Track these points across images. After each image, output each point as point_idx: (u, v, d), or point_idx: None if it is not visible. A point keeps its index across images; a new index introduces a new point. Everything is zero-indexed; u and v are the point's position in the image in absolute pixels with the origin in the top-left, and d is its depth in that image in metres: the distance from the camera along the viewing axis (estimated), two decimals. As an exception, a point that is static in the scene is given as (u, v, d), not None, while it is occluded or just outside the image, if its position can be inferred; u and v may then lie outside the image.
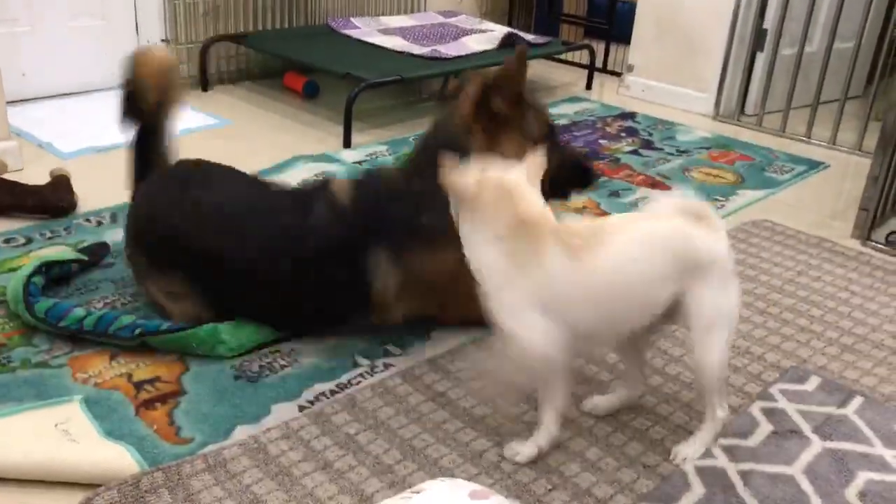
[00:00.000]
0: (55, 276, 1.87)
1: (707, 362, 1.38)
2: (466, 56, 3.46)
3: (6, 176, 2.32)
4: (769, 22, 3.47)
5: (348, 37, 3.59)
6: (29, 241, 2.11)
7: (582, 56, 4.15)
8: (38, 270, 1.79)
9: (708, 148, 3.18)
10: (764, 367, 1.78)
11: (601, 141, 3.18)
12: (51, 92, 3.21)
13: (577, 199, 2.59)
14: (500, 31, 3.77)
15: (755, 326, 1.94)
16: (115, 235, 2.13)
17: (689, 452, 1.46)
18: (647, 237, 1.36)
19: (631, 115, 3.53)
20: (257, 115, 3.24)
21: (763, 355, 1.82)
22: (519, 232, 1.31)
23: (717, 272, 1.36)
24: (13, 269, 1.95)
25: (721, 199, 2.69)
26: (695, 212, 1.38)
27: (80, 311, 1.69)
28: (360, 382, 1.65)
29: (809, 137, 3.35)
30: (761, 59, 3.54)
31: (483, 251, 1.33)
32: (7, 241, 2.10)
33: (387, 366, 1.71)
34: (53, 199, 2.24)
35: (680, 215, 1.37)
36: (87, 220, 2.23)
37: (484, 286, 1.34)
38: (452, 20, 4.02)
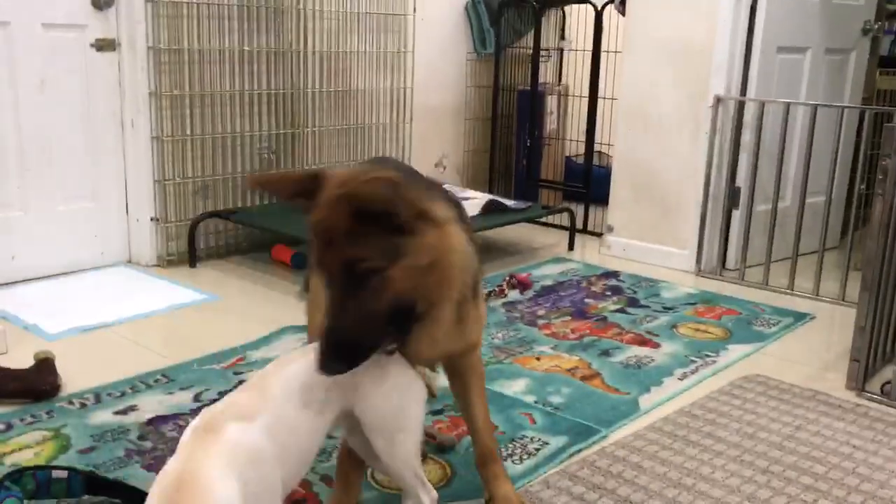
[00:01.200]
0: (29, 489, 1.67)
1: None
2: (450, 223, 3.54)
3: (-11, 360, 2.29)
4: (741, 180, 3.60)
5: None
6: (9, 427, 2.05)
7: (562, 219, 4.26)
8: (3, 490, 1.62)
9: (693, 304, 3.21)
10: (773, 531, 1.71)
11: (587, 300, 3.21)
12: (39, 273, 3.23)
13: (569, 359, 2.57)
14: (483, 197, 3.88)
15: (759, 487, 1.88)
16: (99, 418, 2.08)
17: None
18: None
19: (615, 274, 3.58)
20: (245, 288, 3.26)
21: (771, 517, 1.76)
22: None
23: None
24: (-9, 458, 1.89)
25: (711, 354, 2.68)
26: None
27: None
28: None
29: (792, 289, 3.40)
30: (738, 216, 3.65)
31: None
32: (-13, 427, 2.04)
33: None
34: (37, 383, 2.20)
35: None
36: (71, 403, 2.19)
37: None
38: (435, 189, 4.14)
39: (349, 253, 1.33)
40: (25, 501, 1.61)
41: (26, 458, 1.90)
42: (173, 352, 2.56)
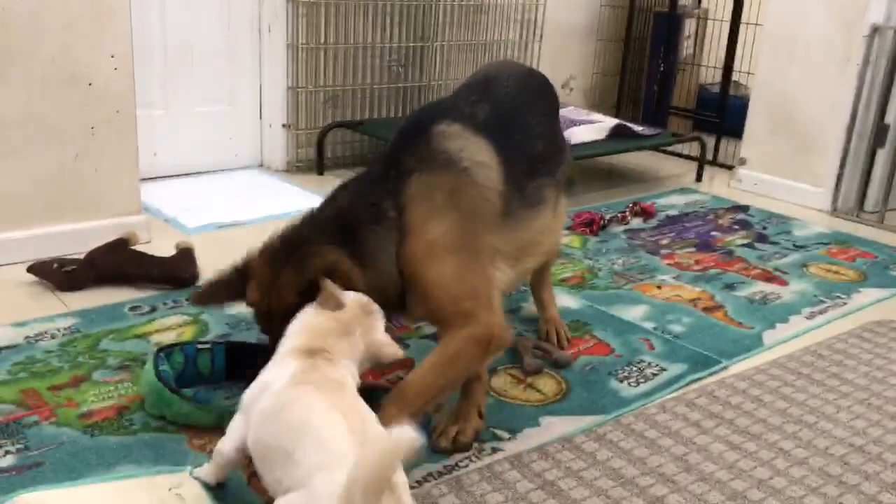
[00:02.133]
0: (178, 363, 1.81)
1: None
2: (576, 146, 3.49)
3: (135, 248, 2.44)
4: (891, 118, 3.38)
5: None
6: (153, 309, 2.20)
7: (692, 148, 4.12)
8: (160, 360, 1.75)
9: (826, 244, 3.08)
10: (899, 476, 1.66)
11: (713, 233, 3.12)
12: (178, 171, 3.39)
13: (692, 290, 2.53)
14: (609, 121, 3.79)
15: (886, 432, 1.82)
16: (234, 307, 2.20)
17: None
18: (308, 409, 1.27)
19: (744, 208, 3.46)
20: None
21: (897, 463, 1.70)
22: None
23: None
24: (138, 336, 2.04)
25: (842, 296, 2.58)
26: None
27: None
28: (467, 465, 1.62)
29: (936, 236, 3.21)
30: (882, 156, 3.43)
31: None
32: (133, 308, 2.19)
33: (494, 449, 1.67)
34: (179, 271, 2.34)
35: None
36: (207, 292, 2.31)
37: None
38: (561, 111, 4.07)
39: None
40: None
41: (168, 338, 2.03)
42: (301, 253, 2.65)
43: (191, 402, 1.68)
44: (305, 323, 1.43)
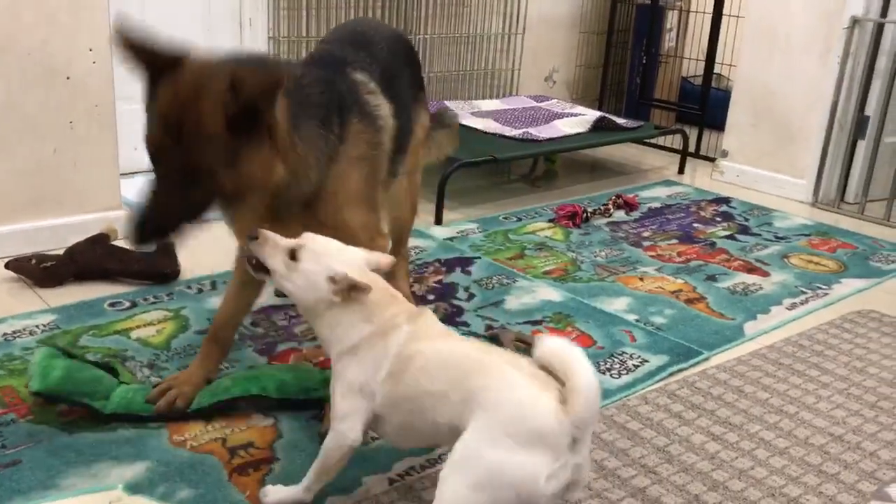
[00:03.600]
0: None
1: (439, 498, 1.23)
2: (558, 138, 3.49)
3: (115, 243, 2.41)
4: (871, 109, 3.40)
5: (442, 118, 3.66)
6: (133, 304, 2.18)
7: (674, 141, 4.14)
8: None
9: (807, 235, 3.09)
10: (878, 465, 1.67)
11: (695, 224, 3.13)
12: (159, 165, 3.36)
13: (674, 282, 2.54)
14: (592, 114, 3.80)
15: (865, 421, 1.83)
16: (215, 303, 2.18)
17: None
18: (460, 354, 1.33)
19: (726, 200, 3.47)
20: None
21: (876, 452, 1.72)
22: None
23: (499, 425, 1.20)
24: (119, 332, 2.02)
25: (823, 287, 2.59)
26: (562, 374, 1.23)
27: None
28: (450, 459, 1.61)
29: (916, 227, 3.23)
30: (863, 147, 3.46)
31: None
32: (113, 304, 2.17)
33: (477, 443, 1.67)
34: (158, 266, 2.32)
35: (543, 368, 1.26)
36: (189, 287, 2.30)
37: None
38: (544, 104, 4.08)
39: (196, 157, 1.35)
40: None
41: (149, 334, 2.02)
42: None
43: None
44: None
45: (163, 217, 1.42)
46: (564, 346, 1.25)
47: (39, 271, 2.25)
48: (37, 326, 2.03)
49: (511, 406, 1.22)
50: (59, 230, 2.47)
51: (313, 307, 1.39)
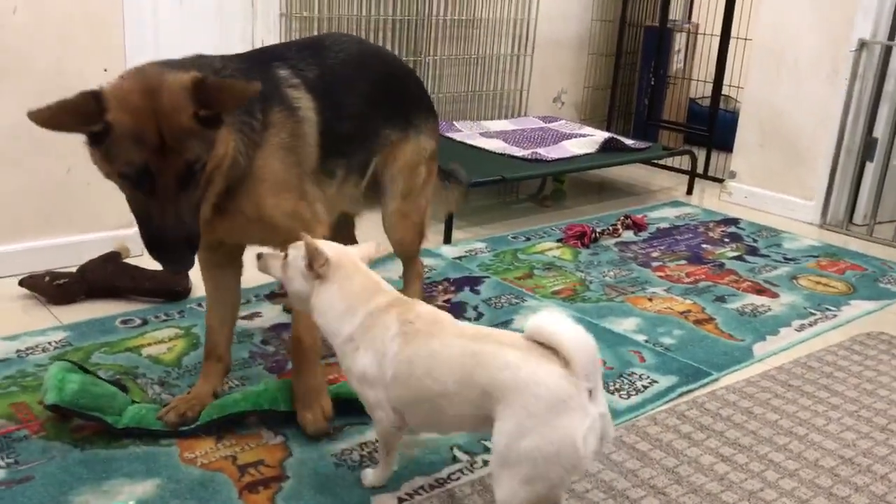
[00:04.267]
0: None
1: (497, 497, 1.30)
2: (567, 159, 3.51)
3: (127, 261, 2.43)
4: (879, 132, 3.41)
5: (451, 139, 3.69)
6: (145, 322, 2.19)
7: (682, 162, 4.15)
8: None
9: (816, 256, 3.09)
10: (889, 488, 1.67)
11: (704, 245, 3.14)
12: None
13: (683, 303, 2.54)
14: (600, 135, 3.81)
15: (876, 443, 1.83)
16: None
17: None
18: (457, 352, 1.36)
19: (734, 221, 3.48)
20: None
21: (887, 475, 1.71)
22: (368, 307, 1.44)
23: (521, 410, 1.26)
24: (130, 349, 2.03)
25: (832, 308, 2.59)
26: (552, 344, 1.28)
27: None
28: (459, 478, 1.62)
29: (925, 249, 3.23)
30: (871, 169, 3.46)
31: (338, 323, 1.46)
32: (124, 321, 2.19)
33: (486, 462, 1.67)
34: (171, 284, 2.34)
35: (534, 342, 1.31)
36: (200, 305, 2.31)
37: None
38: (552, 125, 4.10)
39: (188, 154, 1.42)
40: None
41: (160, 351, 2.03)
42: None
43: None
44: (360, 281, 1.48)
45: (183, 228, 1.44)
46: (544, 322, 1.30)
47: (52, 289, 2.27)
48: (49, 343, 2.04)
49: (524, 389, 1.26)
50: (71, 248, 2.49)
51: (302, 294, 1.49)
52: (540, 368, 1.26)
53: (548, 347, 1.29)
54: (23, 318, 2.19)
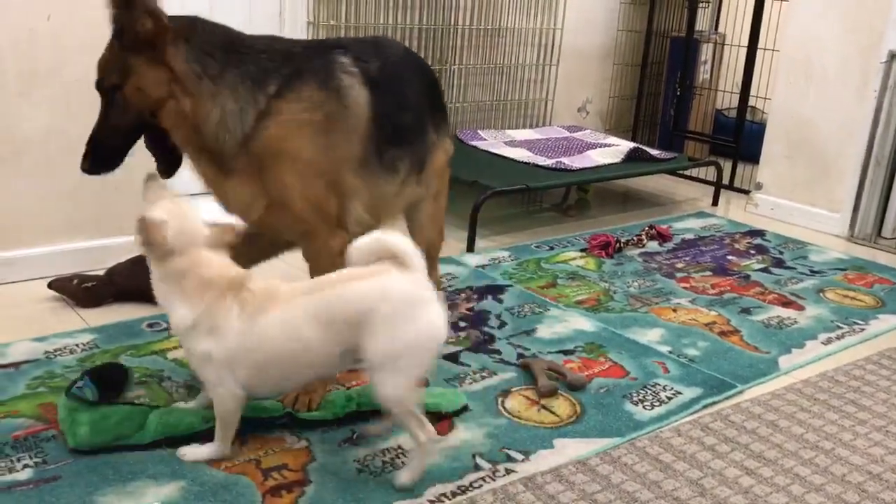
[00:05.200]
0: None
1: (384, 396, 1.50)
2: (591, 168, 3.51)
3: (154, 264, 2.46)
4: (909, 143, 3.37)
5: (476, 147, 3.70)
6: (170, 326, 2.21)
7: (708, 173, 4.13)
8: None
9: (843, 269, 3.06)
10: (917, 504, 1.64)
11: (729, 257, 3.11)
12: (201, 188, 3.41)
13: (707, 314, 2.52)
14: (625, 145, 3.80)
15: (904, 459, 1.81)
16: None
17: (406, 477, 1.57)
18: (311, 309, 1.51)
19: (760, 233, 3.45)
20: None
21: (915, 491, 1.69)
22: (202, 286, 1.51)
23: (386, 318, 1.47)
24: (156, 352, 2.05)
25: (860, 322, 2.56)
26: (391, 253, 1.49)
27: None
28: (481, 485, 1.62)
29: (955, 263, 3.18)
30: (900, 181, 3.42)
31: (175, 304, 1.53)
32: (151, 325, 2.21)
33: (508, 471, 1.67)
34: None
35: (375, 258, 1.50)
36: (225, 310, 2.33)
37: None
38: (577, 134, 4.10)
39: (100, 74, 1.67)
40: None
41: (185, 355, 2.04)
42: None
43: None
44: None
45: (103, 143, 1.69)
46: (370, 241, 1.50)
47: (80, 291, 2.30)
48: (77, 345, 2.07)
49: (383, 304, 1.47)
50: (99, 252, 2.52)
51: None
52: (387, 282, 1.47)
53: (376, 264, 1.49)
54: (51, 319, 2.22)
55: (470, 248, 3.01)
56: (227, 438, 1.62)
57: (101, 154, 1.71)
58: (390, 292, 1.49)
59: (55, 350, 2.04)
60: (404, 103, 1.90)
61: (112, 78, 1.65)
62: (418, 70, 2.03)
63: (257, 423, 1.72)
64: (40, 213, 2.47)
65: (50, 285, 2.32)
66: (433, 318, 1.50)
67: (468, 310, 2.46)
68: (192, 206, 1.57)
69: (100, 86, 1.69)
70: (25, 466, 1.57)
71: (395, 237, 1.51)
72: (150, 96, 1.64)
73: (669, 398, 2.01)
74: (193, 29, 1.68)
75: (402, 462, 1.67)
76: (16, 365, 1.95)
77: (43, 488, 1.51)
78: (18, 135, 2.39)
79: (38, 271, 2.44)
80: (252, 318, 1.51)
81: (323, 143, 1.70)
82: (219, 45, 1.68)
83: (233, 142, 1.67)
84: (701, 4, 4.55)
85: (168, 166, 1.76)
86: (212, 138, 1.67)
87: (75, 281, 2.32)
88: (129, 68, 1.63)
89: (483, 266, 2.85)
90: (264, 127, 1.66)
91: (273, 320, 1.51)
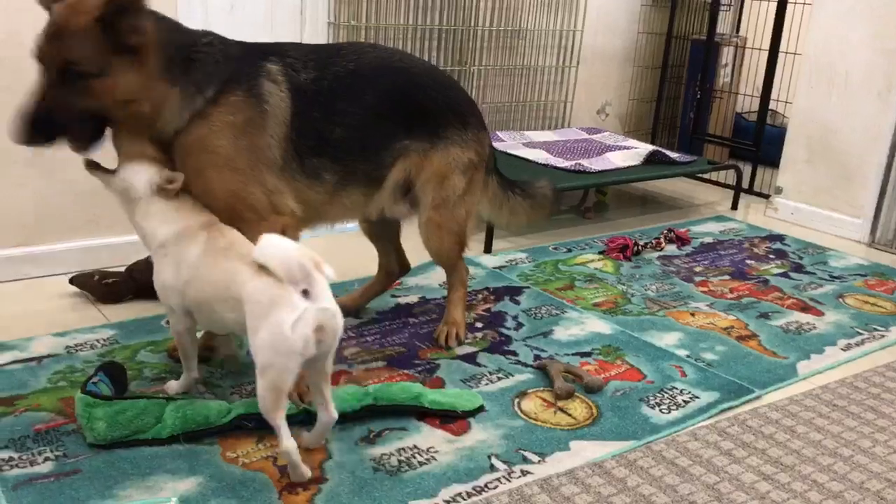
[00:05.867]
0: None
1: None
2: (610, 171, 3.50)
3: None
4: (932, 149, 3.34)
5: (494, 148, 3.69)
6: (190, 323, 2.23)
7: (727, 176, 4.11)
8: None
9: (864, 275, 3.04)
10: (936, 513, 1.63)
11: (748, 261, 3.10)
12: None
13: (725, 319, 2.51)
14: (644, 148, 3.79)
15: (924, 467, 1.79)
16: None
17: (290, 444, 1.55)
18: (221, 268, 1.63)
19: (780, 237, 3.43)
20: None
21: (935, 500, 1.67)
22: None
23: (251, 314, 1.53)
24: (174, 348, 2.07)
25: (880, 328, 2.54)
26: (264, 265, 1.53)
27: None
28: (496, 486, 1.62)
29: (978, 270, 3.15)
30: (923, 187, 3.39)
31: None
32: (169, 322, 2.22)
33: (524, 472, 1.67)
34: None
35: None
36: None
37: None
38: (596, 136, 4.09)
39: (71, 55, 1.61)
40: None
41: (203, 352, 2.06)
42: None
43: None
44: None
45: (48, 116, 1.64)
46: (258, 250, 1.53)
47: (101, 287, 2.33)
48: (97, 340, 2.09)
49: (251, 297, 1.53)
50: (120, 248, 2.54)
51: (128, 202, 1.75)
52: (258, 281, 1.53)
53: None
54: (72, 315, 2.24)
55: (487, 249, 3.01)
56: (190, 370, 1.81)
57: (45, 125, 1.67)
58: (256, 289, 1.53)
59: (76, 345, 2.06)
60: (337, 117, 1.92)
61: (87, 66, 1.63)
62: (386, 78, 2.01)
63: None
64: (62, 210, 2.49)
65: (71, 281, 2.34)
66: (280, 322, 1.47)
67: (485, 311, 2.47)
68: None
69: (61, 64, 1.63)
70: (46, 459, 1.59)
71: (271, 253, 1.52)
72: (121, 97, 1.67)
73: (686, 402, 2.00)
74: (169, 38, 1.74)
75: (419, 461, 1.67)
76: (38, 359, 1.98)
77: (63, 481, 1.53)
78: (42, 132, 2.41)
79: (60, 267, 2.47)
80: (205, 254, 1.66)
81: (244, 143, 1.79)
82: (184, 54, 1.76)
83: (168, 134, 1.76)
84: (722, 7, 4.52)
85: (88, 143, 1.76)
86: (155, 130, 1.75)
87: (96, 277, 2.34)
88: (109, 66, 1.64)
89: (500, 267, 2.85)
90: (195, 125, 1.76)
91: (210, 263, 1.65)
